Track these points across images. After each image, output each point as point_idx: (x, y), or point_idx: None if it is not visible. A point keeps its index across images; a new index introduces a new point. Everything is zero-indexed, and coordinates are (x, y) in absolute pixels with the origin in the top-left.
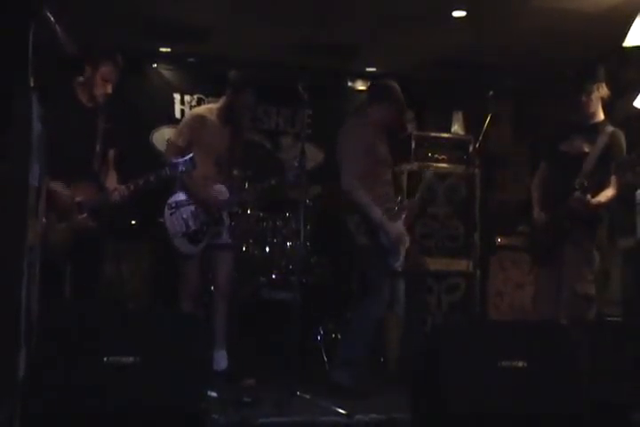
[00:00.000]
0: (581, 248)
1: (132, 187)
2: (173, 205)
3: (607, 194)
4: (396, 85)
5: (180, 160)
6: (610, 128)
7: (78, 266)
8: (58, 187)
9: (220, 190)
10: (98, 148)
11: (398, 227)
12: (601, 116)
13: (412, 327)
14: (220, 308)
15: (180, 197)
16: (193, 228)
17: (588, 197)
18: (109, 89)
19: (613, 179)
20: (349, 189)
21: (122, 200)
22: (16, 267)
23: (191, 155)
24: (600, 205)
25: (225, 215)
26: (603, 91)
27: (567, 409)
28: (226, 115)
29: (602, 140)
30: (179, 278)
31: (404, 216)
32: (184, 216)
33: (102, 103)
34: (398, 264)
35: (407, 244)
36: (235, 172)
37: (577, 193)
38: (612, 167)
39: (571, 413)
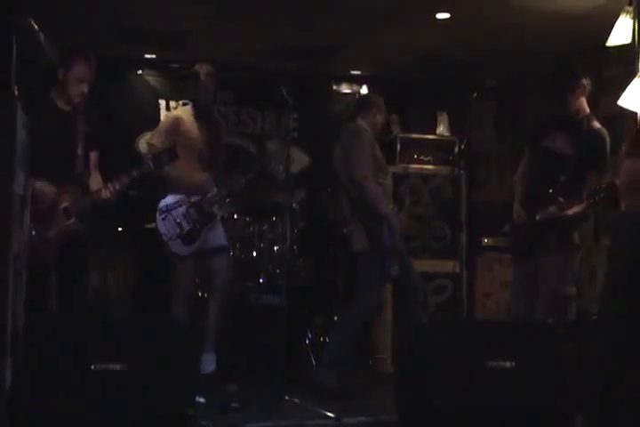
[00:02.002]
0: (560, 249)
1: (116, 185)
2: (164, 209)
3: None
4: (378, 96)
5: (163, 152)
6: (595, 125)
7: (65, 273)
8: (42, 186)
9: (206, 179)
10: (79, 151)
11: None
12: (586, 110)
13: (403, 328)
14: (213, 311)
15: (170, 200)
16: (187, 228)
17: (567, 210)
18: (84, 88)
19: (594, 177)
20: (362, 179)
21: (107, 199)
22: (1, 276)
23: (173, 146)
24: (578, 213)
25: (216, 209)
26: (584, 87)
27: (553, 406)
28: (197, 111)
29: (585, 140)
30: (171, 281)
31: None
32: (177, 219)
33: (79, 104)
34: (395, 269)
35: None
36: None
37: (552, 208)
38: (592, 168)
39: (557, 409)
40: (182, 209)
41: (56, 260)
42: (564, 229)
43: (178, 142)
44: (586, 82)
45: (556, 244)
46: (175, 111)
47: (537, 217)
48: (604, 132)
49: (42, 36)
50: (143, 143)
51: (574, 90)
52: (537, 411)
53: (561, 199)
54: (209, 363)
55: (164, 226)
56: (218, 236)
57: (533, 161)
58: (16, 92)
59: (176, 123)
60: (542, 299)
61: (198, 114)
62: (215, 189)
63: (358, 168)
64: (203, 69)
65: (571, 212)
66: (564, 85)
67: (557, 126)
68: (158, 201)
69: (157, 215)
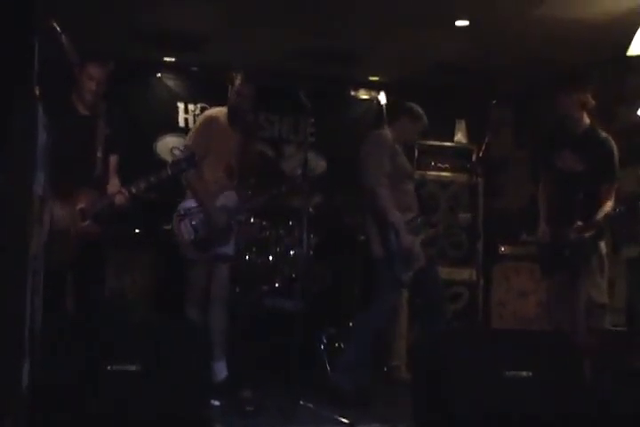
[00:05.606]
0: (592, 259)
1: (133, 190)
2: (182, 212)
3: (605, 209)
4: (411, 103)
5: (182, 158)
6: (602, 135)
7: (82, 274)
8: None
9: (230, 197)
10: (98, 154)
11: (412, 241)
12: (587, 122)
13: (420, 335)
14: (218, 317)
15: (190, 204)
16: (202, 235)
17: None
18: (93, 86)
19: (606, 189)
20: (374, 184)
21: (124, 204)
22: (19, 276)
23: (192, 153)
24: (600, 223)
25: (233, 223)
26: (584, 97)
27: (570, 415)
28: (232, 117)
29: (592, 152)
30: (185, 284)
31: (422, 236)
32: (193, 223)
33: (98, 107)
34: (406, 277)
35: (422, 262)
36: (251, 180)
37: (574, 234)
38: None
39: (574, 417)
40: (201, 215)
41: (72, 260)
42: (594, 239)
43: (208, 145)
44: (585, 94)
45: (589, 253)
46: (212, 110)
47: (564, 238)
48: (611, 140)
49: (64, 38)
50: (161, 146)
51: (573, 99)
52: (554, 420)
53: (580, 223)
54: (221, 370)
55: (178, 228)
56: (228, 244)
57: (549, 182)
58: (37, 94)
59: (210, 124)
60: (578, 308)
61: (233, 121)
62: (236, 201)
63: (371, 175)
64: (238, 76)
65: (595, 225)
66: (565, 94)
67: (563, 142)
68: (176, 204)
69: (174, 217)
